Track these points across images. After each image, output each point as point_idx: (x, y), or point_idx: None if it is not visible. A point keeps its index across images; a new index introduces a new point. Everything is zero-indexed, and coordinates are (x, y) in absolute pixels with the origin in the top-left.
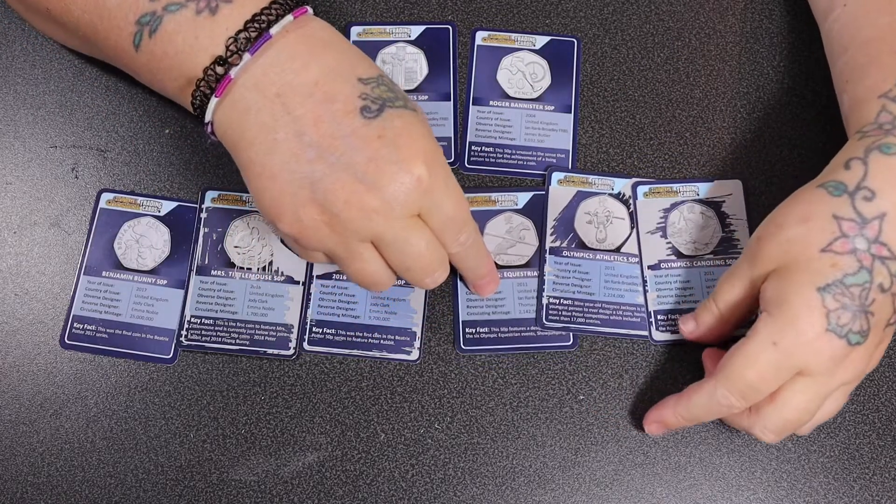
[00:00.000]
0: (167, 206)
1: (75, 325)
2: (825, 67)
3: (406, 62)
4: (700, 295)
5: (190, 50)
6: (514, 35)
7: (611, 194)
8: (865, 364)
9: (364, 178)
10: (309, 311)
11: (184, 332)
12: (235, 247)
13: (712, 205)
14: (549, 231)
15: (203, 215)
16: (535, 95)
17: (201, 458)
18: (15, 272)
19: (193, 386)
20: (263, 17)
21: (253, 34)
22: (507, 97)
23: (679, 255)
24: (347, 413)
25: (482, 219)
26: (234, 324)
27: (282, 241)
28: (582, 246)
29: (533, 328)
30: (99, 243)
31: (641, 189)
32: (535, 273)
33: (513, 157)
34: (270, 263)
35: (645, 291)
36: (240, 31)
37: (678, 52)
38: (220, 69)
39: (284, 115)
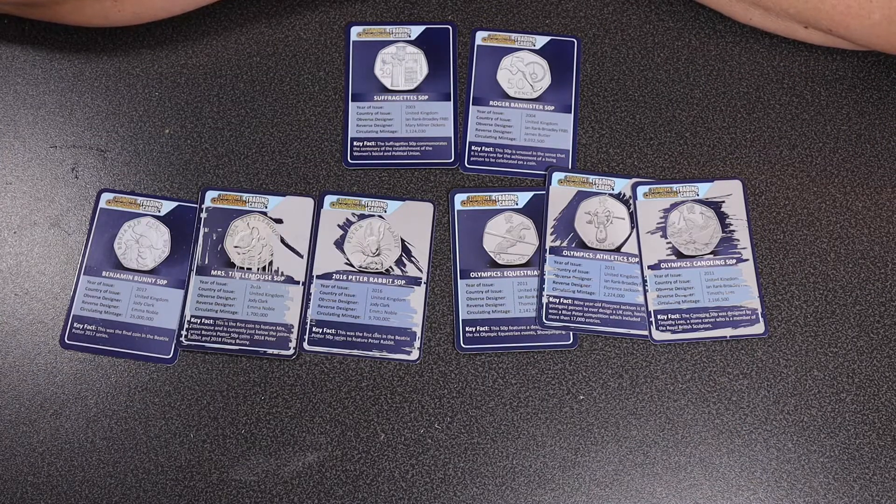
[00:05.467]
0: (167, 206)
1: (75, 325)
2: (825, 67)
3: (406, 62)
4: (700, 295)
5: None
6: (514, 35)
7: (611, 194)
8: None
9: None
10: (309, 311)
11: (184, 332)
12: (235, 247)
13: (712, 205)
14: (549, 230)
15: (203, 215)
16: (535, 95)
17: (201, 458)
18: (15, 272)
19: (193, 386)
20: None
21: None
22: (507, 97)
23: (679, 255)
24: (347, 413)
25: (482, 218)
26: (234, 324)
27: (282, 241)
28: (582, 245)
29: (533, 327)
30: (99, 243)
31: (641, 189)
32: (536, 272)
33: (513, 157)
34: (270, 263)
35: (645, 291)
36: None
37: (678, 52)
38: None
39: None
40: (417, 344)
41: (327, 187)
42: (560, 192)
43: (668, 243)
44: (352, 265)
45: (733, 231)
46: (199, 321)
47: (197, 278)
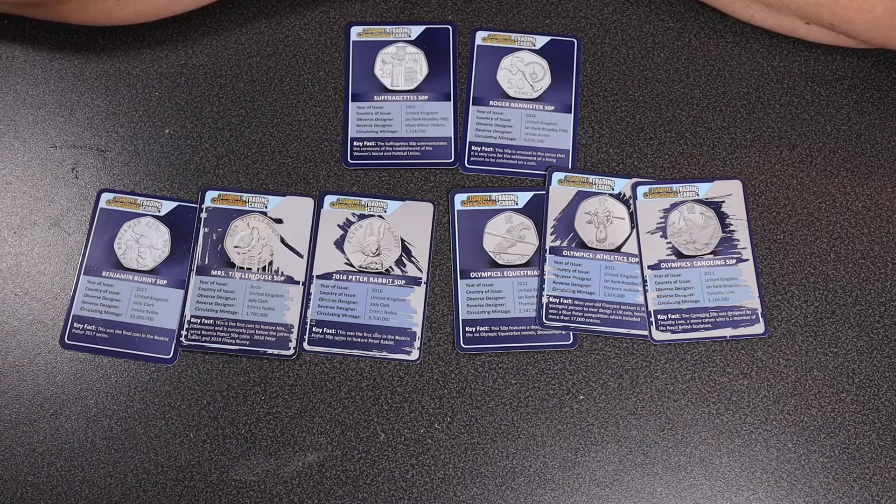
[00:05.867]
0: (167, 206)
1: (75, 325)
2: (825, 67)
3: (406, 62)
4: (700, 295)
5: None
6: (514, 35)
7: (611, 194)
8: None
9: None
10: (309, 311)
11: (184, 332)
12: (235, 247)
13: (712, 205)
14: (549, 230)
15: (203, 215)
16: (535, 95)
17: (201, 458)
18: (15, 272)
19: (193, 386)
20: None
21: None
22: (507, 97)
23: (679, 255)
24: (347, 413)
25: (482, 218)
26: (234, 324)
27: (282, 241)
28: (582, 245)
29: (533, 327)
30: (99, 243)
31: (641, 189)
32: (536, 272)
33: (513, 157)
34: (270, 263)
35: (645, 291)
36: None
37: (678, 52)
38: None
39: None
40: (417, 344)
41: (327, 187)
42: (560, 192)
43: (668, 243)
44: (352, 265)
45: (733, 231)
46: (199, 321)
47: (197, 278)
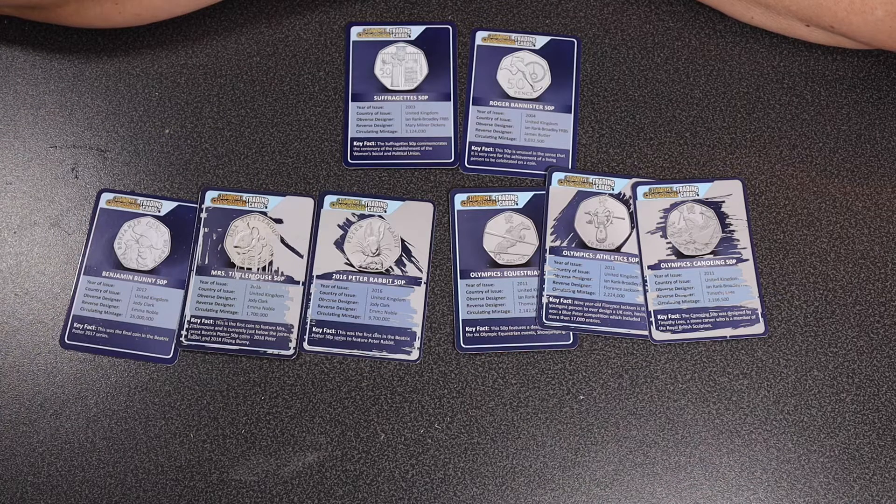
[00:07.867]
0: (167, 206)
1: (75, 325)
2: (825, 67)
3: (406, 62)
4: (700, 295)
5: None
6: (514, 35)
7: (611, 194)
8: None
9: None
10: (309, 311)
11: (184, 332)
12: (235, 247)
13: (712, 205)
14: (549, 230)
15: (203, 215)
16: (535, 95)
17: (201, 458)
18: (15, 272)
19: (193, 386)
20: None
21: None
22: (507, 97)
23: (679, 255)
24: (347, 413)
25: (482, 218)
26: (234, 324)
27: (282, 241)
28: (582, 245)
29: (533, 327)
30: (99, 243)
31: (641, 189)
32: (536, 272)
33: (513, 157)
34: (270, 263)
35: (645, 291)
36: None
37: (678, 52)
38: None
39: None
40: (417, 344)
41: (327, 187)
42: (560, 192)
43: (668, 243)
44: (352, 265)
45: (733, 231)
46: (199, 321)
47: (197, 278)
